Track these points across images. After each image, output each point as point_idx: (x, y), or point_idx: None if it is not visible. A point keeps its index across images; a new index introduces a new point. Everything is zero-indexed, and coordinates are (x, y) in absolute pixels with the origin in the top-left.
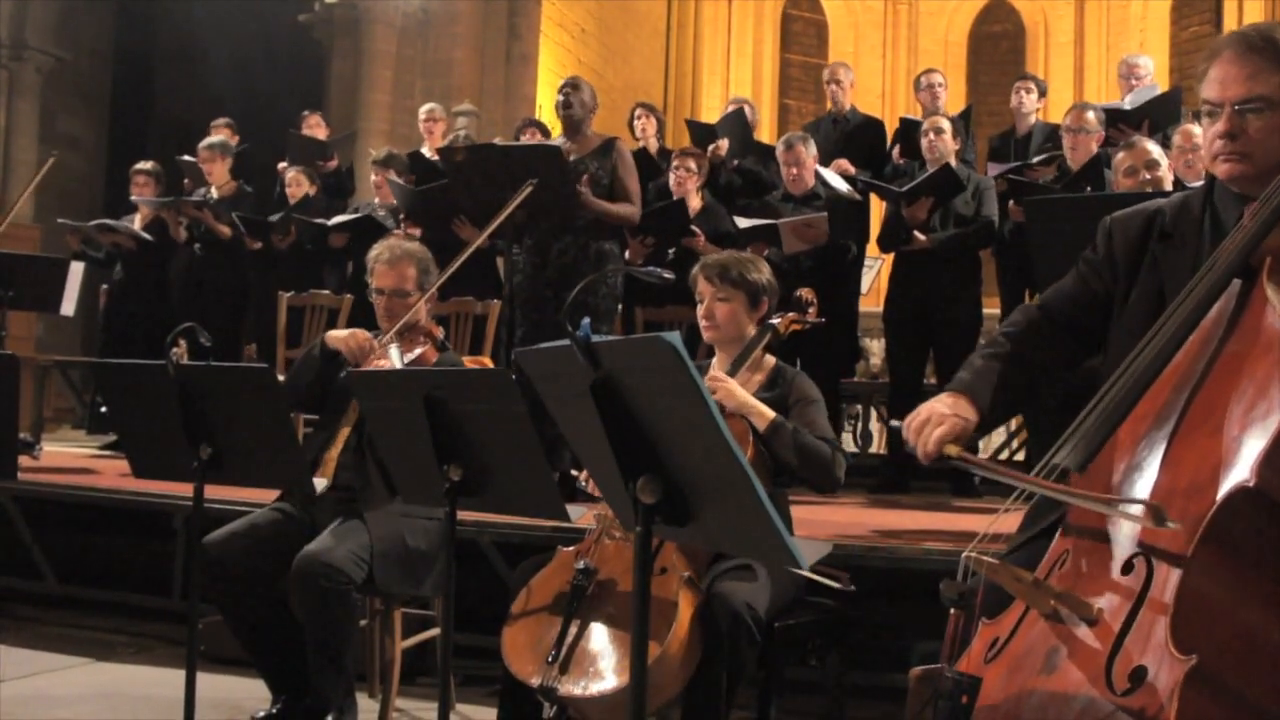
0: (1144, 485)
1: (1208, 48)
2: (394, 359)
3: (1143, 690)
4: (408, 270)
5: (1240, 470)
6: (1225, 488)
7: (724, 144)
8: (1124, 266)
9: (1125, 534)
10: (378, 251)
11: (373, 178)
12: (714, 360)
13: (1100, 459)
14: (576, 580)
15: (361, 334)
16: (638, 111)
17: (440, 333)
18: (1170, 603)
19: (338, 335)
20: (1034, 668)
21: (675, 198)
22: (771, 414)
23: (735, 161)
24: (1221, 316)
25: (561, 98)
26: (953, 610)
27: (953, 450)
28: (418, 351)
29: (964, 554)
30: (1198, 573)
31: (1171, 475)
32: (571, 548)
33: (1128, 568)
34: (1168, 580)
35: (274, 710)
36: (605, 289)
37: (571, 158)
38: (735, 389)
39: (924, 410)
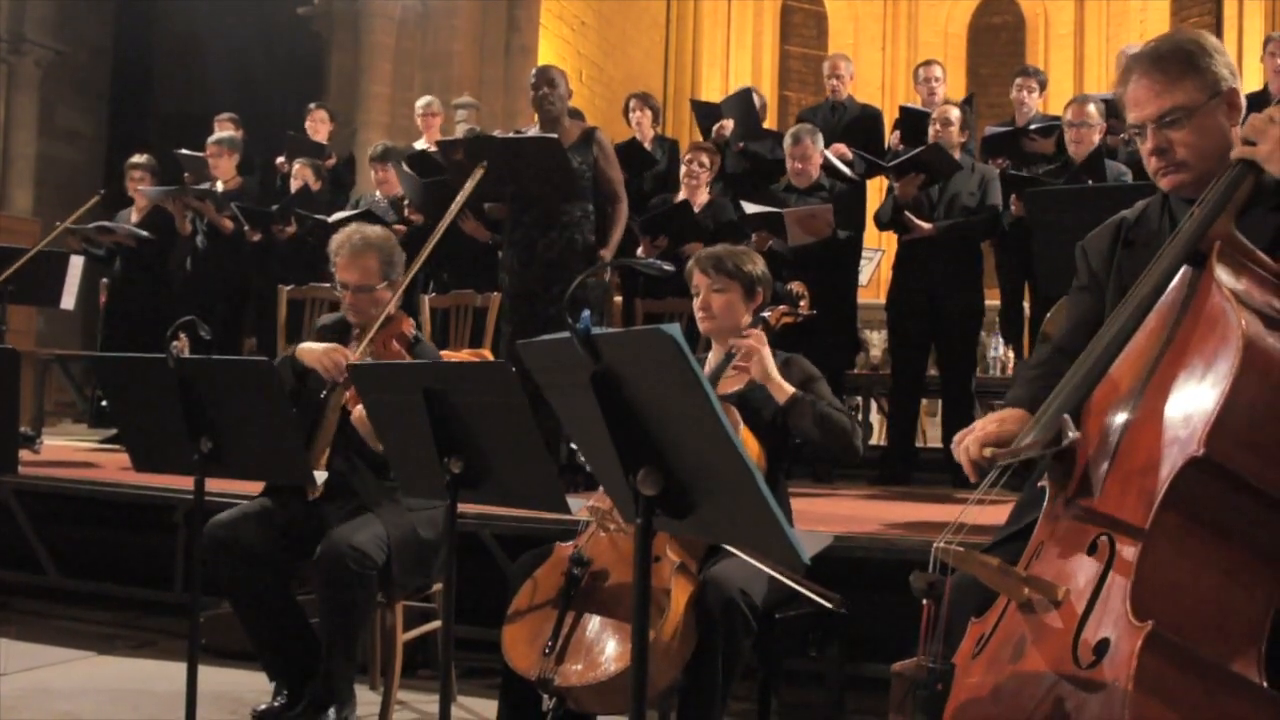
0: (1106, 466)
1: (1120, 71)
2: None
3: (1106, 661)
4: (370, 263)
5: (1190, 443)
6: (1178, 461)
7: (729, 124)
8: (1105, 280)
9: (1090, 514)
10: (338, 243)
11: (372, 175)
12: (710, 352)
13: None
14: (571, 571)
15: (338, 354)
16: (632, 104)
17: (411, 327)
18: (1131, 576)
19: (312, 351)
20: (1008, 655)
21: (684, 195)
22: (790, 388)
23: (741, 144)
24: (1175, 302)
25: (539, 97)
26: (925, 601)
27: (988, 452)
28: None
29: (934, 545)
30: (1157, 545)
31: (1130, 455)
32: (568, 543)
33: (1093, 547)
34: (1129, 555)
35: (275, 703)
36: (594, 280)
37: None
38: (768, 358)
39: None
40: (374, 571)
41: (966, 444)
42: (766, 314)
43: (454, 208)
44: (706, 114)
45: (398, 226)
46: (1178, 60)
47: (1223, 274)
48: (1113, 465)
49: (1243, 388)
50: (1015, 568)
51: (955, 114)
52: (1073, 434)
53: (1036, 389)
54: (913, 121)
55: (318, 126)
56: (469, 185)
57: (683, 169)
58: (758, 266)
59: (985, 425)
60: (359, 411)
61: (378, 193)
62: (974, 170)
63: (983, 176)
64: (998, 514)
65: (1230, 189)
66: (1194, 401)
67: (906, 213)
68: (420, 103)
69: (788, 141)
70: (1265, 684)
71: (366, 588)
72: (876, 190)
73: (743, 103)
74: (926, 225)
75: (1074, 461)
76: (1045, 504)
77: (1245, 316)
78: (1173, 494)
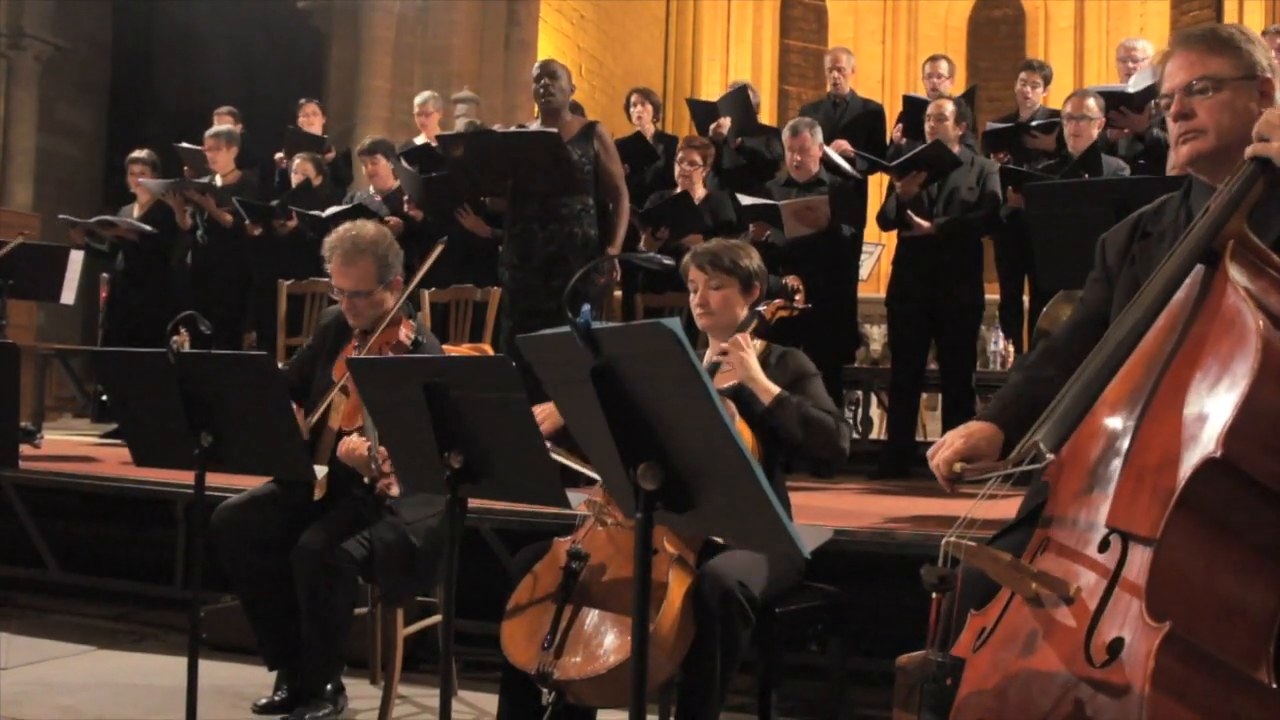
0: (1117, 465)
1: (1160, 56)
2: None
3: (1120, 661)
4: (365, 268)
5: (1207, 443)
6: (1193, 461)
7: (726, 122)
8: (1116, 273)
9: (1100, 514)
10: (331, 246)
11: (363, 169)
12: (707, 349)
13: (1077, 441)
14: (569, 566)
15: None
16: (633, 98)
17: (411, 331)
18: (1145, 575)
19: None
20: (1016, 650)
21: (679, 189)
22: (775, 389)
23: (739, 140)
24: (1188, 301)
25: (540, 89)
26: (935, 595)
27: (958, 467)
28: None
29: (944, 539)
30: (1171, 545)
31: (1143, 454)
32: (566, 538)
33: (1104, 545)
34: (1142, 554)
35: (276, 697)
36: (605, 278)
37: None
38: (750, 360)
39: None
40: (350, 566)
41: (937, 461)
42: (762, 308)
43: (415, 280)
44: (703, 113)
45: (390, 218)
46: (1217, 38)
47: (1237, 273)
48: (1125, 463)
49: (1261, 390)
50: (1018, 560)
51: (950, 109)
52: (1050, 456)
53: (1010, 401)
54: (915, 112)
55: (310, 120)
56: (427, 263)
57: (676, 168)
58: (754, 261)
59: (954, 441)
60: (346, 445)
61: (371, 188)
62: (973, 164)
63: (982, 169)
64: (1008, 508)
65: (1244, 187)
66: (1210, 402)
67: (908, 211)
68: (418, 99)
69: (786, 134)
70: (1275, 685)
71: (343, 582)
72: (878, 185)
73: (739, 100)
74: (926, 224)
75: (1082, 451)
76: (1049, 499)
77: (1262, 318)
78: (1188, 494)
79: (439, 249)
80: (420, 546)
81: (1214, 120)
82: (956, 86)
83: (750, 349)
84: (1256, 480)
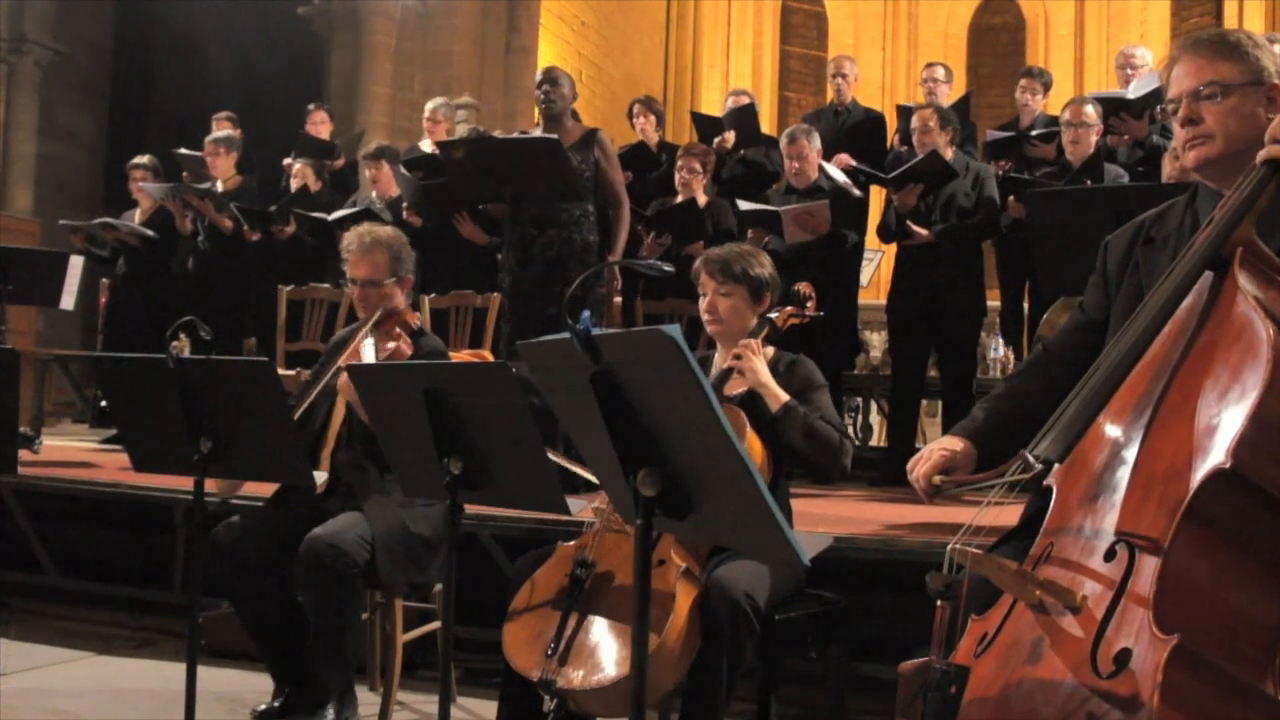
0: (1124, 473)
1: (1166, 61)
2: (366, 355)
3: (1127, 672)
4: (379, 258)
5: (1216, 453)
6: (1202, 471)
7: (730, 136)
8: (1116, 278)
9: (1107, 522)
10: (349, 240)
11: (366, 173)
12: (716, 353)
13: (1081, 448)
14: (574, 573)
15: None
16: (636, 109)
17: (416, 319)
18: (1152, 586)
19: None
20: (1020, 658)
21: (681, 197)
22: (785, 396)
23: (741, 152)
24: (1195, 308)
25: (541, 94)
26: (940, 602)
27: (937, 480)
28: (391, 346)
29: (949, 546)
30: (1178, 556)
31: (1150, 462)
32: (571, 543)
33: (1110, 555)
34: (1149, 565)
35: (275, 704)
36: (603, 288)
37: None
38: (760, 366)
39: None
40: (354, 570)
41: (917, 475)
42: (773, 315)
43: (357, 339)
44: (708, 128)
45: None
46: (1225, 43)
47: (1246, 282)
48: (1133, 471)
49: (1272, 401)
50: (1024, 568)
51: (933, 119)
52: (1038, 466)
53: (989, 415)
54: (910, 120)
55: (319, 127)
56: (364, 331)
57: (676, 175)
58: (765, 269)
59: (931, 453)
60: (346, 379)
61: (373, 193)
62: (968, 169)
63: (977, 174)
64: (1012, 515)
65: (1254, 192)
66: (1220, 412)
67: (908, 221)
68: (428, 106)
69: (783, 142)
70: None
71: (347, 586)
72: (879, 193)
73: (744, 114)
74: (924, 232)
75: (1087, 460)
76: (1052, 505)
77: (1273, 327)
78: (1196, 504)
79: (370, 325)
80: (416, 531)
81: (1221, 125)
82: (956, 92)
83: (760, 355)
84: (1266, 491)
